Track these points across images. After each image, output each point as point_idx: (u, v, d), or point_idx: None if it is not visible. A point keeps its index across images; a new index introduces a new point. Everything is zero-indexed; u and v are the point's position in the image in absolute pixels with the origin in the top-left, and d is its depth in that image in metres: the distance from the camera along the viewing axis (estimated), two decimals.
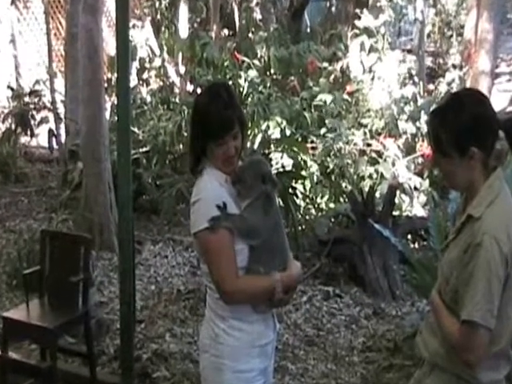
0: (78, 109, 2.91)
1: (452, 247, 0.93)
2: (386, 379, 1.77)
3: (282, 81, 3.77)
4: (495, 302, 0.85)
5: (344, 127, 3.09)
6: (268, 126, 3.06)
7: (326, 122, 3.19)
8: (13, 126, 3.72)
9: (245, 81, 3.39)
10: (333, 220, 2.68)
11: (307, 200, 2.80)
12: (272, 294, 1.00)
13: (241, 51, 3.91)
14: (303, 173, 2.79)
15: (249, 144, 2.74)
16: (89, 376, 1.72)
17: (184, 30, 4.35)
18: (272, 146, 2.91)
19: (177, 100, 3.76)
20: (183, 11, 4.43)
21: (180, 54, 4.15)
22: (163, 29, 4.70)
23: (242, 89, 3.33)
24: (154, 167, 3.09)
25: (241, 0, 4.88)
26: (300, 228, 2.53)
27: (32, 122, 3.71)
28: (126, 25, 1.57)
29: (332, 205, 2.80)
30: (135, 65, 3.97)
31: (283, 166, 2.70)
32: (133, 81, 3.71)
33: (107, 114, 3.08)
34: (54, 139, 3.66)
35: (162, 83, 4.08)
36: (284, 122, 3.10)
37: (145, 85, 4.05)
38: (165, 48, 4.32)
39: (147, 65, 4.11)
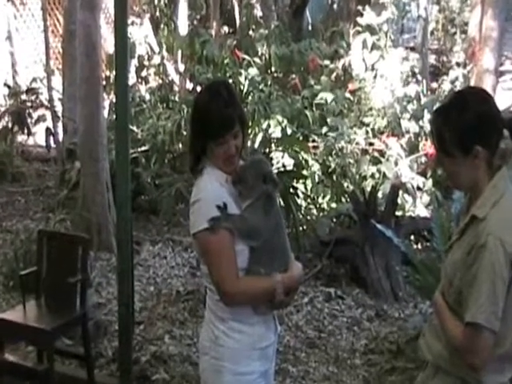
0: (75, 107, 2.91)
1: (456, 248, 0.92)
2: (388, 382, 1.76)
3: (283, 79, 3.76)
4: (500, 304, 0.85)
5: (346, 126, 3.09)
6: (269, 125, 3.05)
7: (328, 120, 3.19)
8: (9, 125, 3.71)
9: (245, 79, 3.36)
10: (334, 220, 2.67)
11: (308, 200, 2.80)
12: (273, 296, 0.99)
13: (241, 49, 3.88)
14: (304, 172, 2.79)
15: (249, 143, 2.73)
16: (86, 379, 1.71)
17: (183, 27, 4.34)
18: (273, 145, 2.89)
19: (176, 98, 3.74)
20: (183, 8, 4.42)
21: (179, 52, 4.14)
22: (162, 26, 4.69)
23: (242, 87, 3.30)
24: (152, 166, 3.07)
25: None
26: (301, 228, 2.51)
27: (29, 120, 3.71)
28: (124, 22, 1.56)
29: (334, 205, 2.80)
30: (134, 62, 3.96)
31: (284, 166, 2.68)
32: (131, 79, 3.70)
33: (105, 113, 3.05)
34: (51, 138, 3.66)
35: (161, 81, 4.08)
36: (285, 121, 3.09)
37: (144, 83, 4.05)
38: (164, 45, 4.31)
39: (146, 62, 4.10)
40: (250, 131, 2.87)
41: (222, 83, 1.06)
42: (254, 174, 1.00)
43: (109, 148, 2.61)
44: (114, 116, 1.66)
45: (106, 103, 3.37)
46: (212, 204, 0.97)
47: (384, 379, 1.76)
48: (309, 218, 2.67)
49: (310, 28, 4.78)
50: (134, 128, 3.20)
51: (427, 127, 3.02)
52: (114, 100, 1.66)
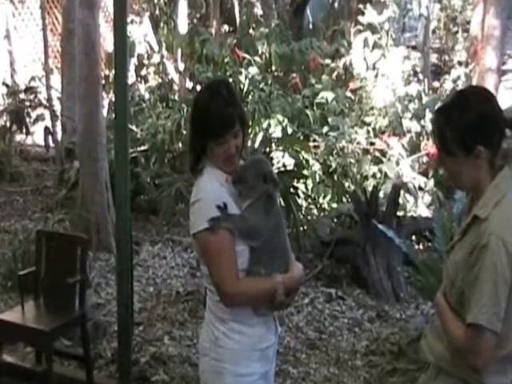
0: (74, 106, 2.92)
1: (457, 248, 0.92)
2: (389, 383, 1.74)
3: (284, 78, 3.76)
4: (502, 305, 0.84)
5: (347, 125, 3.08)
6: (269, 125, 3.04)
7: (329, 120, 3.19)
8: (8, 124, 3.72)
9: (245, 78, 3.35)
10: (335, 220, 2.66)
11: (309, 200, 2.79)
12: (273, 297, 0.99)
13: (241, 48, 3.88)
14: (305, 172, 2.78)
15: (250, 143, 2.72)
16: (85, 380, 1.71)
17: (183, 25, 4.34)
18: (273, 144, 2.88)
19: (176, 97, 3.73)
20: (182, 6, 4.43)
21: (179, 51, 4.14)
22: (162, 24, 4.70)
23: (242, 86, 3.29)
24: (152, 166, 3.07)
25: None
26: (302, 228, 2.51)
27: (27, 119, 3.72)
28: (123, 20, 1.56)
29: (334, 205, 2.79)
30: (133, 61, 3.96)
31: (285, 166, 2.68)
32: (131, 77, 3.70)
33: (104, 112, 3.06)
34: (50, 137, 3.66)
35: (160, 80, 4.07)
36: (285, 120, 3.08)
37: (143, 82, 4.05)
38: (164, 44, 4.32)
39: (146, 61, 4.11)
40: (250, 131, 2.87)
41: (222, 82, 1.06)
42: (254, 173, 1.00)
43: (108, 147, 2.60)
44: (114, 115, 1.65)
45: (106, 102, 3.38)
46: (212, 204, 0.96)
47: (385, 381, 1.76)
48: (309, 218, 2.67)
49: (310, 27, 4.77)
50: (134, 127, 3.20)
51: (429, 127, 3.01)
52: (114, 99, 1.66)
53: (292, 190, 2.52)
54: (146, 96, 3.73)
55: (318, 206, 2.78)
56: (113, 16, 1.57)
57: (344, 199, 2.76)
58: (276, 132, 3.01)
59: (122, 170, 1.56)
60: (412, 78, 3.55)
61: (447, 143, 0.89)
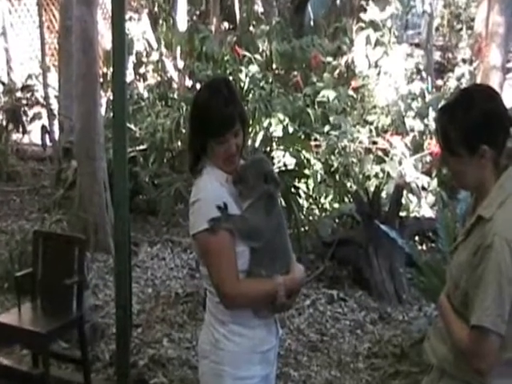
0: (72, 105, 2.90)
1: (461, 249, 0.91)
2: None
3: (285, 76, 3.74)
4: (506, 307, 0.83)
5: (349, 124, 3.07)
6: (270, 123, 3.03)
7: (330, 118, 3.17)
8: (4, 123, 3.69)
9: (246, 76, 3.34)
10: (337, 221, 2.65)
11: (310, 200, 2.78)
12: (274, 298, 0.98)
13: (242, 45, 3.86)
14: (306, 172, 2.78)
15: (250, 142, 2.71)
16: (83, 383, 1.69)
17: (182, 22, 4.29)
18: (274, 143, 2.87)
19: (175, 96, 3.71)
20: (182, 3, 4.38)
21: (178, 48, 4.10)
22: (161, 21, 4.68)
23: (242, 84, 3.27)
24: (151, 166, 3.06)
25: None
26: (303, 229, 2.50)
27: (24, 118, 3.70)
28: (122, 17, 1.55)
29: (336, 205, 2.78)
30: (132, 59, 3.96)
31: (285, 165, 2.67)
32: (129, 76, 3.70)
33: (102, 110, 3.04)
34: (47, 136, 3.65)
35: (159, 78, 4.07)
36: (286, 119, 3.07)
37: (142, 80, 4.05)
38: (162, 42, 4.30)
39: (144, 59, 4.10)
40: (250, 130, 2.86)
41: (222, 80, 1.04)
42: (254, 173, 0.98)
43: (106, 147, 2.59)
44: (112, 114, 1.65)
45: (103, 101, 3.35)
46: (212, 204, 0.95)
47: (388, 383, 1.73)
48: (311, 218, 2.66)
49: (312, 24, 4.75)
50: (132, 126, 3.19)
51: (432, 125, 2.99)
52: (112, 97, 1.64)
53: (293, 189, 2.51)
54: (145, 94, 3.72)
55: (320, 206, 2.76)
56: (111, 13, 1.55)
57: (346, 199, 2.75)
58: (277, 131, 2.99)
59: (120, 170, 1.55)
60: (415, 76, 3.53)
61: (451, 142, 0.87)
